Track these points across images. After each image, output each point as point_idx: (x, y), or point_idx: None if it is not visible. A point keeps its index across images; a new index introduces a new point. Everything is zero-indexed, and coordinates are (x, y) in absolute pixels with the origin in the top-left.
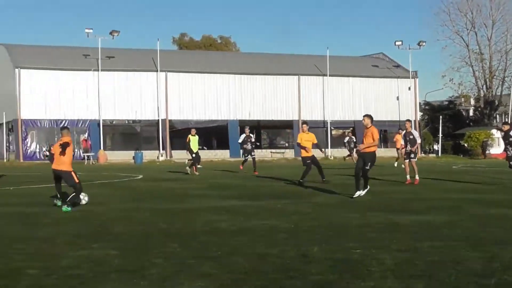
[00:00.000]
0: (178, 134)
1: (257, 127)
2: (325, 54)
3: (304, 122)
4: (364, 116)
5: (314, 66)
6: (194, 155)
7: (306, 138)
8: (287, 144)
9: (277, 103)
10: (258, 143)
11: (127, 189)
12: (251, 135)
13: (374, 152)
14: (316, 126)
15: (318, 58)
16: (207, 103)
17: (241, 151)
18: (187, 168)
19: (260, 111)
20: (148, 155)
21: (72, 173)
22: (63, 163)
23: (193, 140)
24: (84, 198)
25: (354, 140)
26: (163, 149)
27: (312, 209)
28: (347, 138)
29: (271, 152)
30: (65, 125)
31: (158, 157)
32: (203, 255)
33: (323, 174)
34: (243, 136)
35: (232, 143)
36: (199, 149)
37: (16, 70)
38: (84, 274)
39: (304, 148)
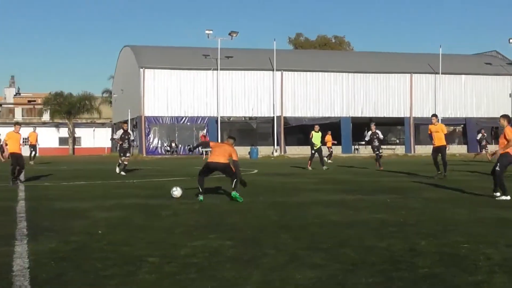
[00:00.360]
0: (292, 130)
1: (369, 123)
2: (438, 52)
3: (434, 115)
4: (500, 116)
5: (426, 64)
6: (314, 151)
7: (435, 129)
8: (398, 141)
9: (389, 101)
10: (384, 138)
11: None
12: (377, 131)
13: (506, 153)
14: (427, 123)
15: (431, 56)
16: (321, 100)
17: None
18: (324, 167)
19: (372, 108)
20: (263, 150)
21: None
22: (223, 157)
23: (316, 136)
24: (174, 191)
25: (485, 138)
26: (277, 144)
27: (420, 204)
28: (479, 136)
29: (382, 148)
30: (185, 122)
31: (272, 153)
32: (313, 246)
33: (445, 168)
34: (369, 133)
35: (345, 139)
36: (320, 145)
37: (141, 70)
38: (201, 263)
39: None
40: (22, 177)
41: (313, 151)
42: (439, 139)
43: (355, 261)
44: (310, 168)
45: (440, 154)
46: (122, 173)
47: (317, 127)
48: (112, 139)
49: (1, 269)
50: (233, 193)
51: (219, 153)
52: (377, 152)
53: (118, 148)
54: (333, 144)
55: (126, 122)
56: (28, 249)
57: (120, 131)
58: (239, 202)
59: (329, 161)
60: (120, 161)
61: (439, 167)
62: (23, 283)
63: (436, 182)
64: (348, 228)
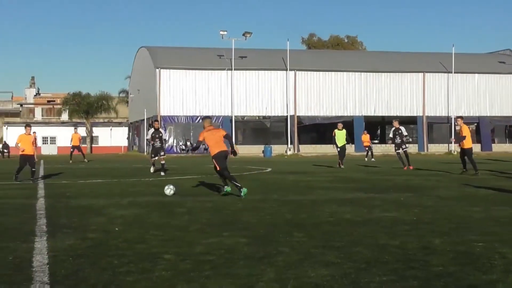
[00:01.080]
0: (305, 129)
1: (381, 122)
2: (451, 51)
3: (459, 117)
4: None
5: (439, 63)
6: (339, 149)
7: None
8: (411, 140)
9: (401, 100)
10: (407, 136)
11: (256, 181)
12: (400, 127)
13: None
14: (440, 122)
15: (444, 55)
16: (334, 100)
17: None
18: (341, 166)
19: (384, 108)
20: (277, 149)
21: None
22: (222, 143)
23: (339, 134)
24: (166, 190)
25: None
26: (291, 143)
27: (434, 202)
28: None
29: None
30: (200, 121)
31: (286, 151)
32: (327, 244)
33: (466, 165)
34: (392, 129)
35: (358, 138)
36: (345, 144)
37: (157, 70)
38: (215, 260)
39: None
40: (35, 176)
41: (338, 149)
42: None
43: (368, 260)
44: (342, 166)
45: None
46: (162, 173)
47: (340, 125)
48: (146, 140)
49: (22, 265)
50: (244, 190)
51: (218, 141)
52: (398, 150)
53: (150, 148)
54: (372, 143)
55: (157, 120)
56: (47, 245)
57: (151, 130)
58: (251, 200)
59: (372, 159)
60: (152, 162)
61: (465, 165)
62: (42, 279)
63: (451, 181)
64: (361, 226)
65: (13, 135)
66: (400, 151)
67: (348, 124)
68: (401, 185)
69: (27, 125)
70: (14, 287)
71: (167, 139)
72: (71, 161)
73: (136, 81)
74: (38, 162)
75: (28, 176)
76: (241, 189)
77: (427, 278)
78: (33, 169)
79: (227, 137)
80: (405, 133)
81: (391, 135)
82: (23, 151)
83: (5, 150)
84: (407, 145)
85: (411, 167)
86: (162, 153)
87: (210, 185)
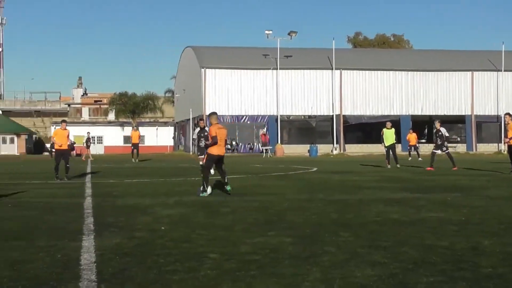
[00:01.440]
0: (351, 128)
1: (429, 122)
2: (500, 49)
3: (507, 113)
4: None
5: (488, 61)
6: (386, 148)
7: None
8: (459, 139)
9: (449, 98)
10: (448, 137)
11: (302, 181)
12: (441, 129)
13: None
14: (489, 121)
15: (493, 53)
16: (380, 99)
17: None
18: (397, 165)
19: (432, 106)
20: (323, 148)
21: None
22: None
23: (387, 133)
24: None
25: None
26: (336, 143)
27: (483, 202)
28: None
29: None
30: (246, 120)
31: (332, 151)
32: (373, 244)
33: None
34: (434, 130)
35: (404, 137)
36: (395, 143)
37: (202, 70)
38: (261, 260)
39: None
40: (70, 174)
41: (386, 148)
42: None
43: (415, 260)
44: (388, 166)
45: None
46: (212, 171)
47: (389, 124)
48: (193, 139)
49: (70, 263)
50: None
51: (222, 142)
52: (436, 151)
53: (197, 148)
54: (419, 142)
55: (202, 119)
56: (94, 244)
57: (197, 130)
58: (296, 199)
59: (420, 159)
60: (201, 162)
61: None
62: (90, 277)
63: (501, 181)
64: (408, 226)
65: None
66: (439, 151)
67: (395, 123)
68: (448, 185)
69: (63, 121)
70: (63, 285)
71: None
72: (133, 160)
73: (181, 81)
74: (86, 161)
75: (66, 175)
76: (203, 192)
77: (476, 280)
78: (67, 165)
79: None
80: (446, 134)
81: (447, 133)
82: (60, 146)
83: (53, 150)
84: (447, 145)
85: (455, 168)
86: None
87: (255, 184)
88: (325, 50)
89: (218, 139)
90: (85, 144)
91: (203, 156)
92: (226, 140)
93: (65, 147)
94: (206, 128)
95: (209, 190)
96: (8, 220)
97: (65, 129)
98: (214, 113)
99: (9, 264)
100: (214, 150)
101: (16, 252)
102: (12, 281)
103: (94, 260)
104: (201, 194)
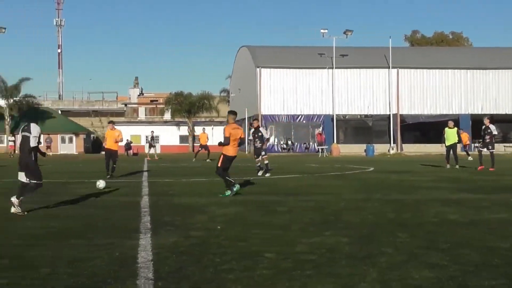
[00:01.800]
0: (408, 128)
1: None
2: None
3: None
4: None
5: None
6: (447, 148)
7: None
8: None
9: (510, 97)
10: (496, 135)
11: (358, 181)
12: (490, 126)
13: None
14: None
15: None
16: (438, 97)
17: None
18: (456, 166)
19: (492, 105)
20: (379, 148)
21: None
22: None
23: (449, 133)
24: (98, 184)
25: None
26: (393, 142)
27: None
28: None
29: (504, 146)
30: (301, 120)
31: (389, 150)
32: (431, 246)
33: None
34: (483, 127)
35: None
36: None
37: (257, 69)
38: (317, 260)
39: None
40: (115, 173)
41: (446, 148)
42: None
43: (476, 262)
44: (448, 166)
45: None
46: (267, 174)
47: (451, 123)
48: (248, 139)
49: (127, 261)
50: (227, 193)
51: (235, 143)
52: (482, 149)
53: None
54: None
55: (256, 118)
56: (151, 242)
57: (252, 130)
58: (353, 199)
59: (470, 158)
60: (258, 163)
61: None
62: (147, 275)
63: None
64: (467, 227)
65: None
66: (485, 150)
67: (454, 122)
68: (509, 186)
69: (110, 122)
70: (120, 282)
71: (268, 137)
72: (194, 160)
73: (237, 81)
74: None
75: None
76: (229, 191)
77: None
78: (114, 165)
79: (241, 139)
80: (494, 132)
81: (496, 132)
82: (109, 146)
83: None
84: (490, 147)
85: (491, 169)
86: (263, 153)
87: (311, 184)
88: (381, 49)
89: (231, 140)
90: (148, 143)
91: (260, 158)
92: (242, 139)
93: (112, 147)
94: (260, 129)
95: (236, 186)
96: (68, 218)
97: (113, 129)
98: (233, 112)
99: (69, 262)
100: (230, 151)
101: (75, 250)
102: (71, 278)
103: (151, 258)
104: (229, 194)
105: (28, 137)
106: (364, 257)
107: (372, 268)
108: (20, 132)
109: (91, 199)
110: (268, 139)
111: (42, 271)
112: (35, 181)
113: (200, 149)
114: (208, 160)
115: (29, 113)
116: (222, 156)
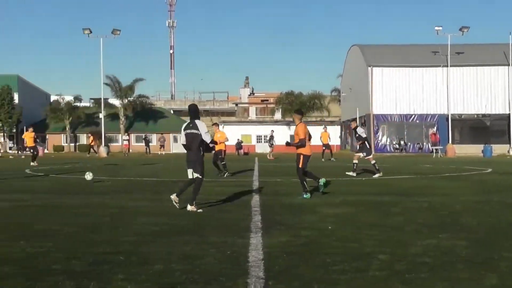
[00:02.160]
0: None
1: None
2: None
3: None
4: None
5: None
6: None
7: None
8: None
9: None
10: None
11: (475, 182)
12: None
13: None
14: None
15: None
16: None
17: None
18: None
19: None
20: (498, 149)
21: None
22: None
23: None
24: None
25: None
26: None
27: None
28: None
29: None
30: (414, 119)
31: (508, 151)
32: None
33: None
34: None
35: None
36: None
37: (369, 68)
38: (432, 262)
39: None
40: (222, 172)
41: None
42: None
43: None
44: None
45: None
46: (376, 175)
47: None
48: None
49: (239, 259)
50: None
51: (310, 141)
52: None
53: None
54: None
55: (354, 119)
56: (262, 241)
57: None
58: (470, 201)
59: None
60: (355, 160)
61: None
62: (258, 274)
63: None
64: None
65: (229, 134)
66: None
67: None
68: None
69: (214, 124)
70: (232, 280)
71: (365, 136)
72: (323, 159)
73: (348, 80)
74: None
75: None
76: (306, 194)
77: None
78: (222, 163)
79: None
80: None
81: None
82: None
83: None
84: None
85: None
86: (364, 154)
87: (425, 185)
88: (500, 45)
89: (306, 140)
90: (268, 143)
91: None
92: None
93: (218, 147)
94: (358, 129)
95: (307, 195)
96: (180, 216)
97: (218, 130)
98: (300, 112)
99: (182, 258)
100: (307, 150)
101: (188, 246)
102: (184, 274)
103: (262, 257)
104: (304, 196)
105: (198, 135)
106: (483, 262)
107: (492, 273)
108: (183, 130)
109: (203, 197)
110: (365, 139)
111: (156, 268)
112: (201, 177)
113: (324, 148)
114: (332, 159)
115: (142, 113)
116: (301, 157)
